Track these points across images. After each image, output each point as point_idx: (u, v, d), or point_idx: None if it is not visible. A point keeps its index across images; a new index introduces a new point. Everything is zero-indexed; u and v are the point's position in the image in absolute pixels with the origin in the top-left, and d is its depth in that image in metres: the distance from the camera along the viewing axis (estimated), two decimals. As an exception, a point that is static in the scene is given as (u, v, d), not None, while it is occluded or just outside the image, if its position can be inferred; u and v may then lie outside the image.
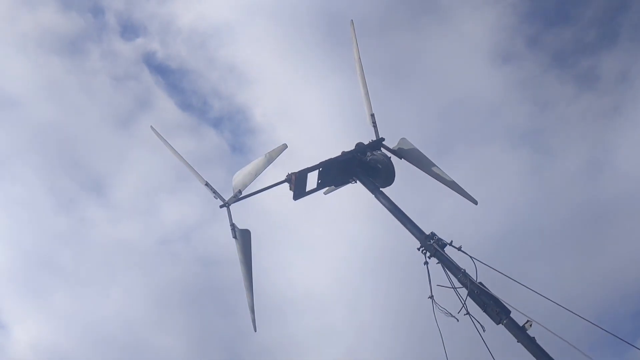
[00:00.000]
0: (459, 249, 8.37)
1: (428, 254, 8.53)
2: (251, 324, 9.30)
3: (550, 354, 7.12)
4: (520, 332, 7.28)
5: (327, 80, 29.24)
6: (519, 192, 26.60)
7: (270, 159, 9.07)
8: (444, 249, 8.46)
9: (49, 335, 30.76)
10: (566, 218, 26.35)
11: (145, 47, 33.08)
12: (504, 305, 7.61)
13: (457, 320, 8.27)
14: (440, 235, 8.65)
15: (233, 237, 9.16)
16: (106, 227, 31.10)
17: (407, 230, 8.94)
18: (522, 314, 7.33)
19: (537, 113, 29.70)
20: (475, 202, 9.76)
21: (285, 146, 9.09)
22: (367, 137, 10.66)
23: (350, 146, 10.47)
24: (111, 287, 30.07)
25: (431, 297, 8.43)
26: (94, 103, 32.90)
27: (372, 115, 10.76)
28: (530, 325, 7.29)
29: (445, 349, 8.46)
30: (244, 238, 9.13)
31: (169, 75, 35.19)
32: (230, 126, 34.35)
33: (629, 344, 7.20)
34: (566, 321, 7.89)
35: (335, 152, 10.21)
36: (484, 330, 7.96)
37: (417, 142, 10.58)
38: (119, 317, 29.28)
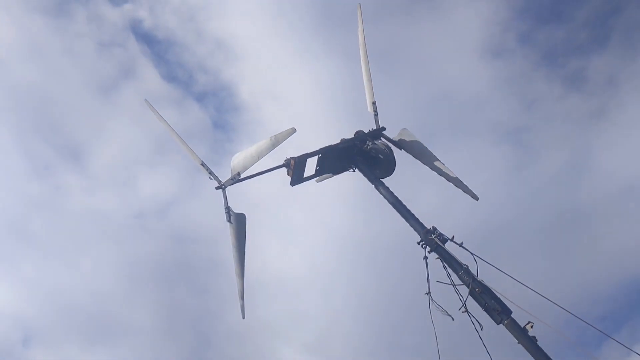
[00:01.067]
0: (461, 245, 8.21)
1: (428, 248, 8.35)
2: (240, 310, 8.98)
3: (551, 355, 7.02)
4: (521, 333, 7.16)
5: (320, 61, 28.79)
6: (499, 190, 26.73)
7: (276, 142, 8.75)
8: (445, 245, 8.30)
9: (14, 301, 30.03)
10: (544, 219, 26.60)
11: (133, 14, 32.13)
12: (506, 305, 7.49)
13: (453, 319, 8.14)
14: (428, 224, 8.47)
15: (227, 221, 8.84)
16: (81, 196, 30.42)
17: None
18: (527, 312, 7.20)
19: (522, 110, 29.81)
20: (476, 198, 9.60)
21: (293, 130, 8.79)
22: (358, 124, 10.37)
23: (339, 133, 10.18)
24: (82, 257, 29.48)
25: (428, 293, 8.26)
26: (76, 67, 31.93)
27: (374, 104, 10.52)
28: (532, 327, 7.18)
29: (438, 346, 8.31)
30: (238, 222, 8.83)
31: (155, 45, 34.35)
32: (215, 102, 33.73)
33: (627, 348, 7.17)
34: (565, 322, 7.85)
35: (324, 139, 9.93)
36: (481, 329, 7.84)
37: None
38: (88, 288, 28.70)
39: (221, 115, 33.85)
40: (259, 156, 8.71)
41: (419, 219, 8.79)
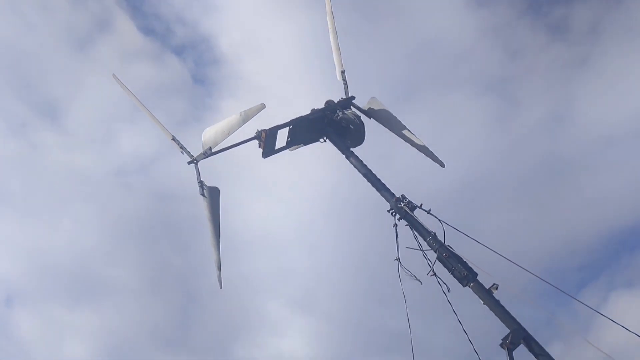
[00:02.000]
0: (429, 212, 8.49)
1: (398, 216, 8.61)
2: (217, 280, 9.24)
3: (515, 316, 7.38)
4: (486, 295, 7.51)
5: (301, 14, 28.07)
6: (481, 142, 26.67)
7: (246, 117, 8.81)
8: (414, 212, 8.56)
9: None
10: (526, 170, 26.64)
11: (106, -35, 31.05)
12: (472, 269, 7.81)
13: (421, 283, 8.46)
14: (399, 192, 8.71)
15: (201, 195, 8.96)
16: (59, 154, 29.61)
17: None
18: (488, 274, 7.52)
19: (506, 61, 29.43)
20: (443, 165, 9.84)
21: (263, 106, 8.85)
22: (337, 88, 10.50)
23: (318, 92, 10.25)
24: (62, 216, 28.93)
25: (398, 259, 8.54)
26: (50, 22, 30.66)
27: (343, 72, 10.59)
28: (496, 289, 7.52)
29: (407, 311, 8.64)
30: (212, 196, 8.95)
31: (131, -3, 33.17)
32: (194, 55, 32.92)
33: (572, 297, 7.59)
34: (529, 282, 8.22)
35: (302, 100, 10.00)
36: (449, 291, 8.18)
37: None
38: (69, 247, 28.32)
39: (200, 69, 33.10)
40: (230, 131, 8.78)
41: (390, 187, 9.03)
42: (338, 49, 10.60)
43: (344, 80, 10.52)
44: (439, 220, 8.36)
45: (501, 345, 7.08)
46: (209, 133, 8.92)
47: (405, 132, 9.93)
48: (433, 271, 8.21)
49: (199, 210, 9.02)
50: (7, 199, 29.48)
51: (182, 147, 9.05)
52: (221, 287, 9.34)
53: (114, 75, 9.69)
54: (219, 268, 9.22)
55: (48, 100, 30.37)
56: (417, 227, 8.35)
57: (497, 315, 7.37)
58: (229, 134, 8.81)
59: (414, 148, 9.98)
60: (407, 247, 8.46)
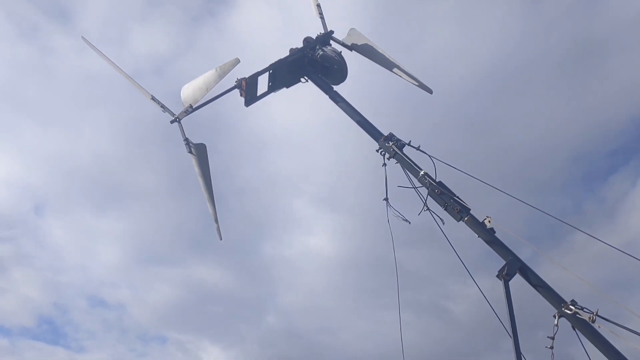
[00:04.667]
0: (418, 148, 8.41)
1: (387, 155, 8.56)
2: (216, 232, 9.38)
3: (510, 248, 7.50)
4: (481, 229, 7.57)
5: None
6: (511, 24, 25.56)
7: (222, 73, 8.55)
8: (403, 150, 8.50)
9: (22, 172, 30.11)
10: (557, 52, 25.74)
11: None
12: (465, 203, 7.84)
13: (409, 223, 8.55)
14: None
15: (188, 152, 8.88)
16: (73, 58, 28.86)
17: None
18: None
19: None
20: (430, 91, 9.64)
21: (237, 61, 8.56)
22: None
23: (297, 33, 9.88)
24: (81, 121, 28.79)
25: (386, 199, 8.57)
26: None
27: (318, 6, 10.18)
28: (489, 221, 7.58)
29: (395, 251, 8.79)
30: (199, 152, 8.88)
31: None
32: None
33: (575, 227, 7.67)
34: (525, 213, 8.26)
35: (282, 41, 9.66)
36: (443, 224, 8.27)
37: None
38: (91, 154, 28.47)
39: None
40: (207, 88, 8.56)
41: (381, 121, 8.93)
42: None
43: (321, 14, 10.13)
44: (429, 156, 8.30)
45: (497, 276, 7.21)
46: (188, 90, 8.70)
47: (389, 61, 9.65)
48: (427, 206, 8.26)
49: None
50: (25, 107, 29.21)
51: (162, 106, 8.86)
52: (221, 239, 9.46)
53: (83, 37, 9.31)
54: (216, 221, 9.30)
55: (58, 1, 29.17)
56: (407, 165, 8.30)
57: (491, 247, 7.47)
58: (207, 91, 8.59)
59: (401, 77, 9.76)
60: (398, 186, 8.47)
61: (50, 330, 32.67)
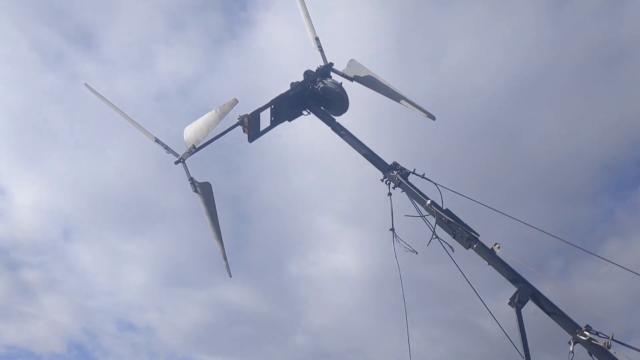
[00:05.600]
0: (422, 176, 8.40)
1: (392, 184, 8.54)
2: (226, 269, 9.38)
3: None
4: (490, 255, 7.50)
5: None
6: (533, 31, 25.28)
7: (222, 113, 8.64)
8: (408, 178, 8.48)
9: (50, 198, 30.28)
10: (581, 59, 25.42)
11: None
12: (473, 230, 7.78)
13: (417, 253, 8.48)
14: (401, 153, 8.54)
15: (194, 192, 8.92)
16: (98, 82, 29.20)
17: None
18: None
19: None
20: (433, 118, 9.61)
21: (235, 101, 8.64)
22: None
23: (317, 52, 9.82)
24: (108, 146, 28.95)
25: (392, 229, 8.52)
26: None
27: (317, 39, 10.27)
28: (499, 248, 7.51)
29: (402, 280, 8.69)
30: (205, 191, 8.92)
31: None
32: None
33: (591, 253, 7.55)
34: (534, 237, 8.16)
35: (302, 61, 9.68)
36: (453, 251, 8.19)
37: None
38: (119, 177, 28.70)
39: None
40: (208, 129, 8.64)
41: (386, 150, 8.91)
42: (308, 15, 10.24)
43: (319, 46, 10.21)
44: (434, 183, 8.27)
45: (510, 304, 7.13)
46: (190, 131, 8.79)
47: (390, 89, 9.68)
48: (435, 234, 8.19)
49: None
50: (51, 132, 29.56)
51: (166, 148, 8.93)
52: (230, 276, 9.44)
53: (85, 84, 9.46)
54: (225, 259, 9.30)
55: (80, 27, 29.35)
56: (413, 194, 8.27)
57: (502, 274, 7.39)
58: (208, 131, 8.67)
59: (403, 105, 9.77)
60: (406, 215, 8.43)
61: (81, 355, 32.86)
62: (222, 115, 8.58)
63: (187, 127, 8.83)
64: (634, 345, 6.38)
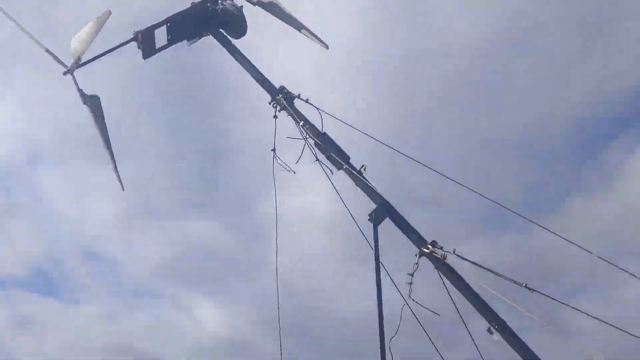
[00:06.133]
0: (306, 101, 8.77)
1: (278, 107, 8.87)
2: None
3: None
4: (356, 176, 8.01)
5: None
6: None
7: (98, 27, 8.63)
8: (293, 102, 8.83)
9: (14, 120, 28.35)
10: (568, 18, 24.55)
11: None
12: (345, 153, 8.27)
13: (294, 172, 8.94)
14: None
15: (84, 104, 9.00)
16: None
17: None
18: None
19: None
20: (327, 47, 9.91)
21: (109, 13, 8.63)
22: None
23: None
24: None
25: (274, 150, 8.93)
26: None
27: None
28: (365, 170, 8.04)
29: (276, 197, 9.17)
30: (94, 104, 9.02)
31: None
32: None
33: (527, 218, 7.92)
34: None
35: None
36: (332, 173, 8.66)
37: None
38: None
39: None
40: (89, 41, 8.64)
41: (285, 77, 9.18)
42: None
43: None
44: (317, 108, 8.67)
45: (369, 220, 7.69)
46: (75, 42, 8.74)
47: (287, 15, 9.83)
48: (316, 156, 8.64)
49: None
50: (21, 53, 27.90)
51: (55, 58, 8.88)
52: (123, 189, 9.64)
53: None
54: (115, 170, 9.45)
55: None
56: (294, 117, 8.64)
57: (366, 194, 7.91)
58: (89, 43, 8.66)
59: (303, 35, 9.97)
60: (288, 137, 8.80)
61: (44, 281, 32.68)
62: (98, 29, 8.59)
63: (75, 36, 8.79)
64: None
